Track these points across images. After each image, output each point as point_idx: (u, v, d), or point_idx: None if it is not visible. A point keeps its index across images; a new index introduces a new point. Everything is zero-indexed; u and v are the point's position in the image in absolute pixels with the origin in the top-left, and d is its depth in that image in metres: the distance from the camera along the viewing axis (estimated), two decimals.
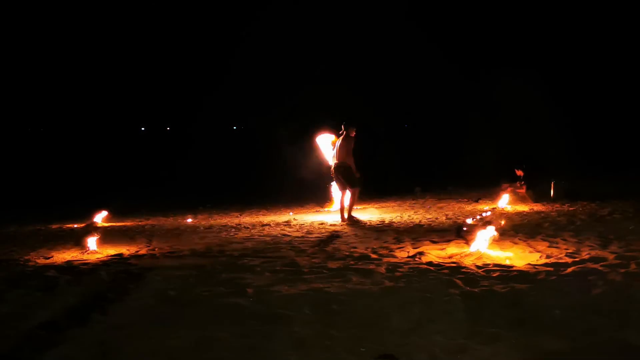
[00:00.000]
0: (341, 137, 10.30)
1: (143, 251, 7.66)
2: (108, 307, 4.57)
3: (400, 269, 5.72)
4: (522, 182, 12.62)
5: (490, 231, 7.27)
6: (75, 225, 11.05)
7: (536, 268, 5.57)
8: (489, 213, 10.96)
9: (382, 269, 5.74)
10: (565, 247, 6.85)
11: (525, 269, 5.50)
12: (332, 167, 10.47)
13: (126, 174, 22.12)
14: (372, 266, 5.94)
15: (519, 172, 12.80)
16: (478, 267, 5.74)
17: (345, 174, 10.33)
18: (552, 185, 12.84)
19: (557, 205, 11.75)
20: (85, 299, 4.91)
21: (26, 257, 7.44)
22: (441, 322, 3.82)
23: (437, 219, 10.42)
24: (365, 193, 15.92)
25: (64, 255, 7.54)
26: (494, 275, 5.25)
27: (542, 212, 10.84)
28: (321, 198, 13.31)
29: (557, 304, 4.06)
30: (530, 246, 7.00)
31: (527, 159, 13.22)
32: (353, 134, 10.25)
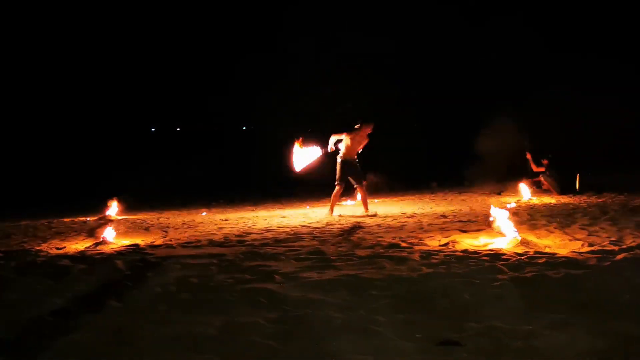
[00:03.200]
0: (355, 133, 9.78)
1: (159, 241, 7.32)
2: (124, 293, 4.21)
3: (435, 256, 5.32)
4: (546, 172, 12.23)
5: (523, 219, 6.90)
6: (88, 218, 10.76)
7: (583, 255, 5.15)
8: (514, 204, 10.57)
9: (416, 256, 5.35)
10: (606, 235, 6.44)
11: (572, 256, 5.09)
12: (342, 161, 9.83)
13: (137, 172, 21.83)
14: (404, 254, 5.55)
15: (544, 162, 12.40)
16: (519, 254, 5.34)
17: (356, 170, 9.93)
18: (577, 177, 12.46)
19: (584, 197, 11.36)
20: (100, 286, 4.56)
21: (37, 248, 7.11)
22: (496, 307, 3.42)
23: (461, 210, 10.03)
24: (383, 188, 15.60)
25: (77, 246, 7.22)
26: (540, 261, 4.84)
27: (570, 203, 10.44)
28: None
29: (622, 288, 3.65)
30: (568, 235, 6.60)
31: (552, 150, 12.83)
32: (368, 131, 9.82)
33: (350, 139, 9.72)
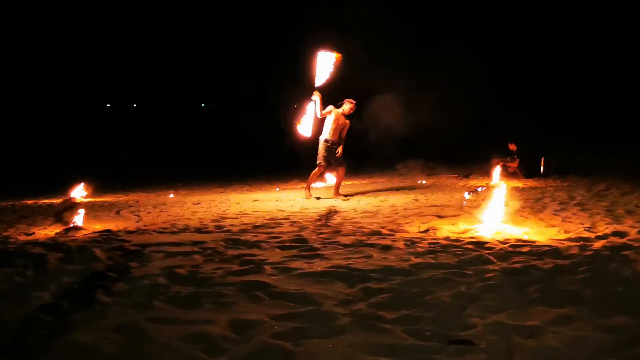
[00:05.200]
0: (341, 113, 9.75)
1: (132, 227, 7.14)
2: (112, 286, 4.08)
3: (419, 245, 5.35)
4: (515, 157, 12.42)
5: (500, 205, 6.97)
6: (52, 201, 10.42)
7: (562, 243, 5.26)
8: (484, 188, 10.72)
9: (401, 244, 5.37)
10: (579, 222, 6.59)
11: (553, 244, 5.19)
12: (329, 143, 9.77)
13: (95, 151, 21.27)
14: (387, 241, 5.56)
15: (512, 147, 12.59)
16: (500, 242, 5.41)
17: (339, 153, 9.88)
18: (542, 160, 12.70)
19: (550, 181, 11.60)
20: (83, 278, 4.41)
21: (5, 234, 6.86)
22: (495, 301, 3.45)
23: (432, 194, 10.11)
24: (351, 170, 15.58)
25: (46, 232, 6.99)
26: (524, 250, 4.92)
27: (538, 187, 10.64)
28: (304, 174, 12.92)
29: (613, 279, 3.74)
30: (543, 221, 6.73)
31: (518, 134, 13.04)
32: (349, 110, 9.74)
33: (335, 120, 9.64)
